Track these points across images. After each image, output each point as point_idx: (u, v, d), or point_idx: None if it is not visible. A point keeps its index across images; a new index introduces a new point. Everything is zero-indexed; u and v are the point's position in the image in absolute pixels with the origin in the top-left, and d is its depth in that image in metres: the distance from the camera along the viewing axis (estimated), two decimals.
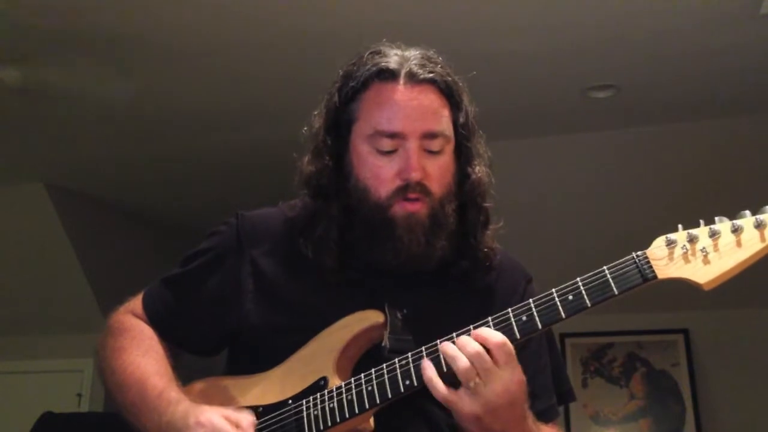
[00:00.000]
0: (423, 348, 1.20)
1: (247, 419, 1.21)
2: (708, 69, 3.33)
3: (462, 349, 1.15)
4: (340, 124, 1.35)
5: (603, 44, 3.16)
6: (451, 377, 1.16)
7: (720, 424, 4.22)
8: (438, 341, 1.19)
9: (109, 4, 2.88)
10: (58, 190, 4.58)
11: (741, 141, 3.81)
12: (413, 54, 1.34)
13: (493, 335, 1.15)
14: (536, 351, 1.36)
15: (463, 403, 1.14)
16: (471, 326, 1.19)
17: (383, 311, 1.27)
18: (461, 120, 1.35)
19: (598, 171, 4.03)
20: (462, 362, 1.14)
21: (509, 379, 1.14)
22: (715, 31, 3.03)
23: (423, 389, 1.19)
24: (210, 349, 1.45)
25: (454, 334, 1.19)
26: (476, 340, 1.16)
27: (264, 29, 3.05)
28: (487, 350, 1.15)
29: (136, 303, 1.44)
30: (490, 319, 1.19)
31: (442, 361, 1.17)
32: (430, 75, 1.31)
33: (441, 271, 1.34)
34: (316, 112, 1.40)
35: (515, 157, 3.94)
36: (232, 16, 2.97)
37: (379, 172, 1.29)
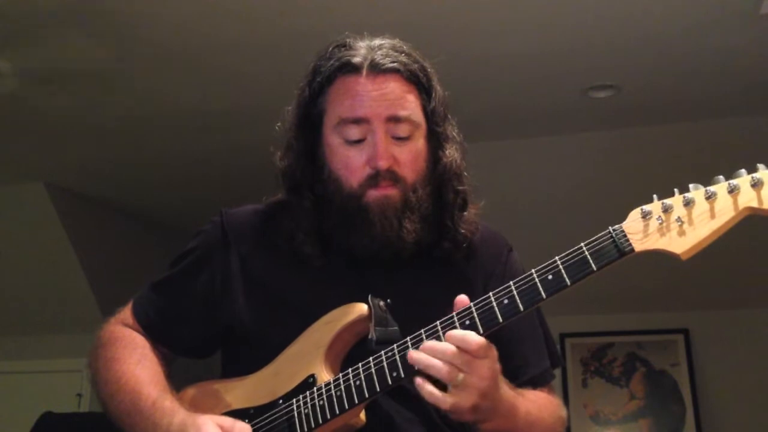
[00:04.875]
0: (408, 338, 1.20)
1: (239, 427, 1.20)
2: (708, 69, 3.33)
3: (434, 354, 1.15)
4: (311, 117, 1.36)
5: (603, 44, 3.16)
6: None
7: (720, 424, 4.22)
8: (422, 331, 1.19)
9: (108, 4, 2.88)
10: (58, 190, 4.57)
11: (741, 141, 3.80)
12: (378, 44, 1.34)
13: (466, 339, 1.14)
14: (527, 317, 1.35)
15: (461, 399, 1.14)
16: (438, 322, 1.19)
17: (367, 303, 1.27)
18: (431, 105, 1.35)
19: (599, 171, 4.02)
20: (439, 367, 1.14)
21: (490, 361, 1.15)
22: (715, 31, 3.03)
23: (411, 380, 1.19)
24: (203, 350, 1.45)
25: (422, 332, 1.19)
26: (450, 342, 1.15)
27: (262, 29, 3.06)
28: (466, 351, 1.14)
29: (126, 312, 1.44)
30: (472, 305, 1.19)
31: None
32: (393, 64, 1.31)
33: (421, 257, 1.34)
34: (289, 107, 1.41)
35: (515, 157, 3.94)
36: (232, 16, 2.97)
37: (348, 162, 1.30)
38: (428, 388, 1.15)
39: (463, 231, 1.36)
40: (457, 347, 1.14)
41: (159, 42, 3.14)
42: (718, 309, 4.15)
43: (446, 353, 1.14)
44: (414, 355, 1.17)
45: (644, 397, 4.36)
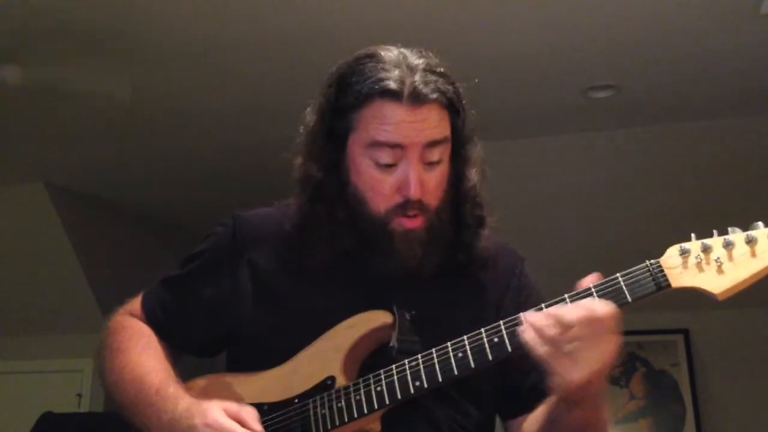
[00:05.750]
0: (433, 350, 1.20)
1: (248, 413, 1.19)
2: (708, 69, 3.33)
3: (562, 320, 1.10)
4: (336, 129, 1.32)
5: (603, 44, 3.16)
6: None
7: (720, 424, 4.22)
8: (448, 343, 1.19)
9: (108, 4, 2.88)
10: (58, 190, 4.57)
11: (741, 141, 3.81)
12: (416, 64, 1.28)
13: (595, 306, 1.11)
14: None
15: (574, 369, 1.10)
16: (465, 336, 1.19)
17: (391, 312, 1.27)
18: (459, 126, 1.33)
19: (598, 171, 4.03)
20: (573, 318, 1.09)
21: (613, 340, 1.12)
22: (715, 31, 3.03)
23: (432, 391, 1.19)
24: (208, 351, 1.45)
25: (448, 344, 1.19)
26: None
27: (263, 29, 3.06)
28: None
29: (135, 305, 1.44)
30: (501, 323, 1.19)
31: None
32: (434, 94, 1.26)
33: (441, 272, 1.33)
34: (309, 109, 1.37)
35: (515, 157, 3.94)
36: (232, 16, 2.96)
37: (377, 187, 1.27)
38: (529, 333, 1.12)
39: (480, 249, 1.35)
40: (587, 315, 1.09)
41: (159, 42, 3.13)
42: (718, 309, 4.14)
43: (572, 318, 1.09)
44: (531, 317, 1.13)
45: (644, 397, 4.36)
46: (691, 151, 3.85)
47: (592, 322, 1.09)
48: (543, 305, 1.17)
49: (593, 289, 1.16)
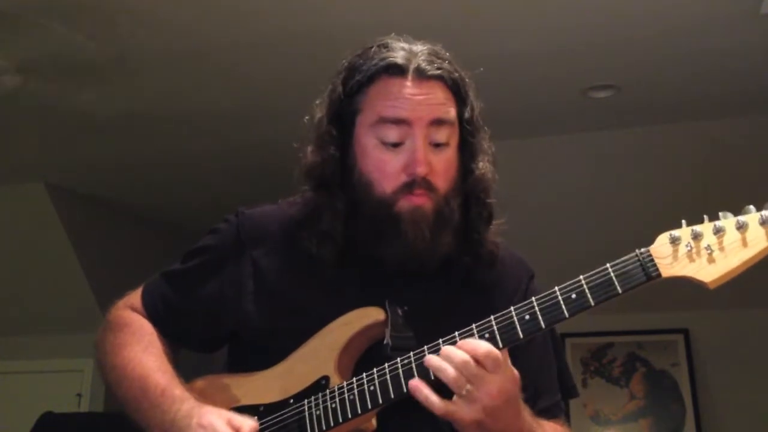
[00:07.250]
0: (425, 347, 1.19)
1: (249, 425, 1.19)
2: (708, 69, 3.33)
3: (447, 359, 1.14)
4: (343, 115, 1.33)
5: (603, 44, 3.16)
6: (440, 385, 1.16)
7: (720, 424, 4.22)
8: (440, 341, 1.18)
9: (108, 5, 2.88)
10: (58, 190, 4.57)
11: (741, 141, 3.81)
12: (421, 49, 1.31)
13: (478, 346, 1.14)
14: (541, 347, 1.36)
15: (463, 411, 1.13)
16: (456, 333, 1.18)
17: (384, 308, 1.26)
18: (467, 115, 1.33)
19: (598, 171, 4.03)
20: (450, 372, 1.13)
21: (503, 379, 1.14)
22: (715, 31, 3.03)
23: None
24: (209, 347, 1.45)
25: (440, 341, 1.18)
26: (463, 350, 1.15)
27: (263, 29, 3.06)
28: (476, 360, 1.13)
29: (135, 297, 1.43)
30: (492, 318, 1.18)
31: (430, 373, 1.17)
32: (438, 71, 1.29)
33: (443, 268, 1.32)
34: (318, 102, 1.38)
35: (515, 157, 3.94)
36: (231, 17, 2.97)
37: (383, 167, 1.27)
38: (424, 391, 1.15)
39: (488, 247, 1.34)
40: (470, 356, 1.13)
41: (159, 42, 3.13)
42: (718, 309, 4.14)
43: (455, 360, 1.13)
44: (430, 358, 1.16)
45: (644, 397, 4.35)
46: (691, 151, 3.85)
47: (473, 364, 1.12)
48: (457, 335, 1.19)
49: (583, 281, 1.15)
